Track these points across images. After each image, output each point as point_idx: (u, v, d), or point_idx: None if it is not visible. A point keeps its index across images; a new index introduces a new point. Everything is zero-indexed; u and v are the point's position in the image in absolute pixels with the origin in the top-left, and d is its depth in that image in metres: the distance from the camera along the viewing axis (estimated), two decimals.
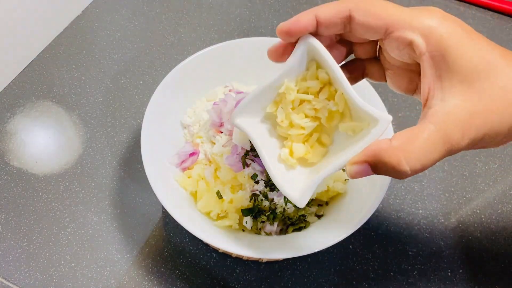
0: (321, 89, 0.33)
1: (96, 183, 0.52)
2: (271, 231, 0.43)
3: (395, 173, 0.26)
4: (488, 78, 0.26)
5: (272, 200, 0.43)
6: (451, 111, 0.26)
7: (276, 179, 0.33)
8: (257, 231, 0.44)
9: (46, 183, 0.52)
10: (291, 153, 0.35)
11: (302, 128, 0.34)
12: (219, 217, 0.44)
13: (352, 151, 0.29)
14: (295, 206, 0.42)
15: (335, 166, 0.30)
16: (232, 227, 0.43)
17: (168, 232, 0.49)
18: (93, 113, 0.58)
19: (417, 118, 0.57)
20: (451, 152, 0.27)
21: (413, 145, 0.26)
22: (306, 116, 0.34)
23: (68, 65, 0.63)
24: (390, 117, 0.29)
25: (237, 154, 0.42)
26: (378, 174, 0.27)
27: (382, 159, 0.26)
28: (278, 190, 0.42)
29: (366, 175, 0.28)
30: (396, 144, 0.26)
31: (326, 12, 0.31)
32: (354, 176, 0.28)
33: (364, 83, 0.46)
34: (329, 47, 0.34)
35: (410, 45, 0.29)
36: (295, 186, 0.33)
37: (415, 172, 0.26)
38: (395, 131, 0.44)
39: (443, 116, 0.26)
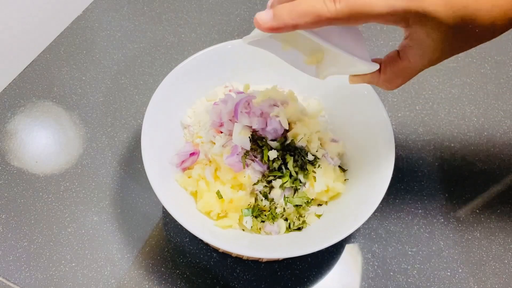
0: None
1: (97, 183, 0.52)
2: (271, 231, 0.44)
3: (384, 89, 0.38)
4: (461, 30, 0.31)
5: (272, 200, 0.43)
6: (426, 54, 0.33)
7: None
8: (257, 230, 0.44)
9: (46, 183, 0.52)
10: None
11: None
12: (219, 217, 0.44)
13: (354, 70, 0.38)
14: (296, 205, 0.42)
15: (344, 72, 0.39)
16: (232, 227, 0.43)
17: (168, 232, 0.49)
18: (93, 113, 0.58)
19: (416, 118, 0.58)
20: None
21: (397, 79, 0.36)
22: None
23: (68, 65, 0.63)
24: (377, 66, 0.36)
25: (237, 154, 0.42)
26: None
27: (376, 85, 0.38)
28: (278, 190, 0.43)
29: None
30: (385, 78, 0.36)
31: None
32: (353, 84, 0.40)
33: (364, 85, 0.46)
34: None
35: None
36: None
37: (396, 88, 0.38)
38: (395, 131, 0.44)
39: (418, 58, 0.34)
